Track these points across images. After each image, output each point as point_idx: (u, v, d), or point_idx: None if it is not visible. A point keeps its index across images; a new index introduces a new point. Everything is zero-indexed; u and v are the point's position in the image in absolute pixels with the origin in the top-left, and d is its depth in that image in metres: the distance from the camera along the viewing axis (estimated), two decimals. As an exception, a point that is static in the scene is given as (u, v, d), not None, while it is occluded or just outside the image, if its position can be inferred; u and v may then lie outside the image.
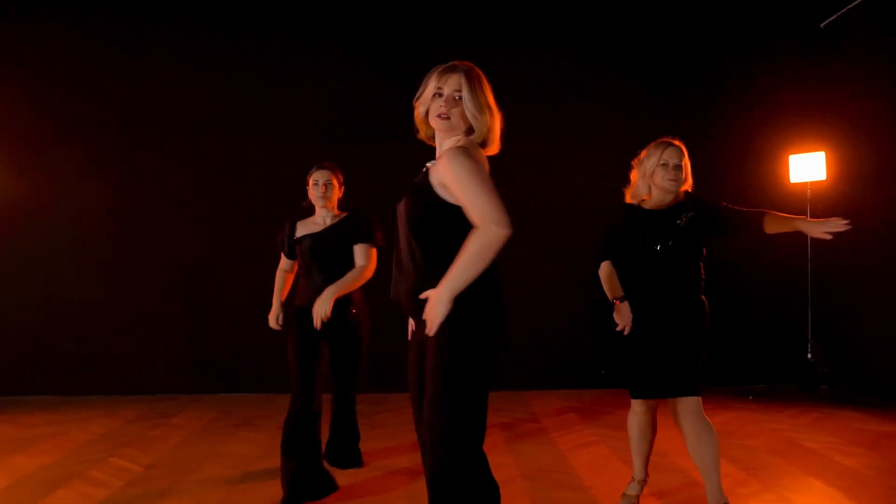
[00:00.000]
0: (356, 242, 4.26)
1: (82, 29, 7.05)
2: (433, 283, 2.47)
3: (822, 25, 7.17)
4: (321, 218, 4.36)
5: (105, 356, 6.99)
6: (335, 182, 4.34)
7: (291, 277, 4.59)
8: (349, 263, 4.23)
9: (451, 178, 2.47)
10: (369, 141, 6.97)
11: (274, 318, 4.51)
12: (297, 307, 4.28)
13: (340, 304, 4.15)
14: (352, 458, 4.64)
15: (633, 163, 3.76)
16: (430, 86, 2.65)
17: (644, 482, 3.92)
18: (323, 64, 7.15)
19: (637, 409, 3.82)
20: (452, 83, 2.61)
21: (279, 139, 7.07)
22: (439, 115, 2.60)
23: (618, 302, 3.57)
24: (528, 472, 4.48)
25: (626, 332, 3.56)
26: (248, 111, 7.10)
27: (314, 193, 4.30)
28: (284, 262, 4.55)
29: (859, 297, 6.77)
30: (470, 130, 2.64)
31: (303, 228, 4.36)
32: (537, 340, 7.12)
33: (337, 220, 4.35)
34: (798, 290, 6.96)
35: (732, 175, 7.06)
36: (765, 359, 7.09)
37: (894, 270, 6.32)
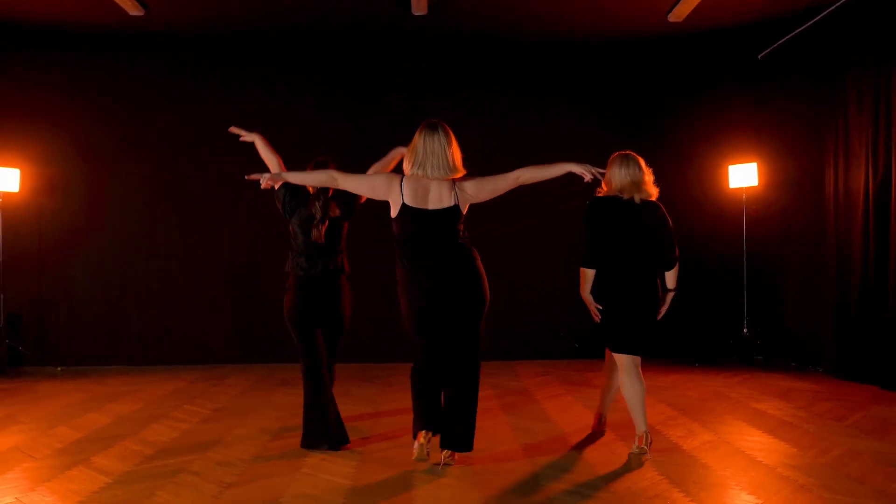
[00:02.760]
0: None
1: (151, 65, 8.03)
2: None
3: (759, 57, 8.06)
4: None
5: (166, 333, 7.95)
6: None
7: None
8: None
9: None
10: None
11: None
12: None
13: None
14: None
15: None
16: None
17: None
18: (337, 98, 8.09)
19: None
20: None
21: (302, 155, 7.98)
22: None
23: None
24: (509, 411, 5.43)
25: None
26: (281, 137, 7.97)
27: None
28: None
29: (783, 282, 7.70)
30: None
31: None
32: (525, 320, 8.07)
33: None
34: (736, 276, 7.86)
35: (681, 182, 7.98)
36: (709, 335, 7.97)
37: (812, 260, 7.25)
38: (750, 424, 4.96)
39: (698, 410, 5.40)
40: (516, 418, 5.22)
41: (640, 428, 4.18)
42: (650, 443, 4.19)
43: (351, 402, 5.90)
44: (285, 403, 5.79)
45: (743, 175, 7.65)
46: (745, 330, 7.71)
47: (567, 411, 5.46)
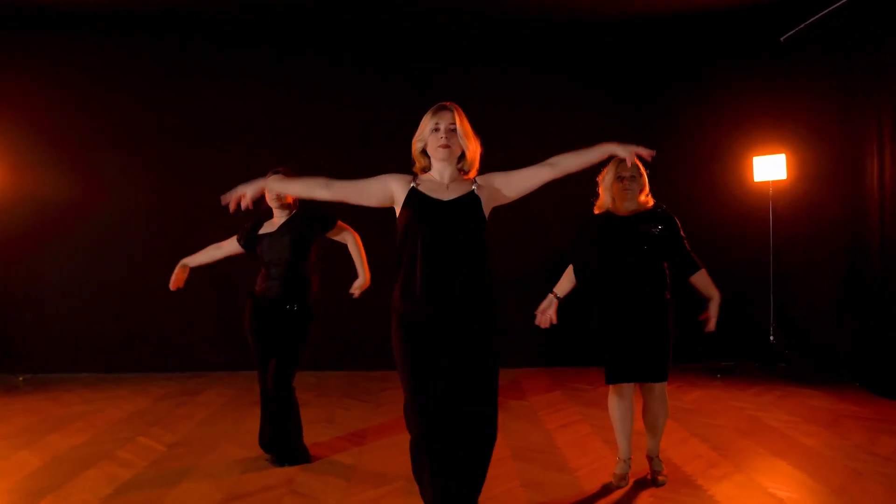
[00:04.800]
0: (320, 234, 4.07)
1: (131, 46, 6.74)
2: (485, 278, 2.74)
3: (781, 39, 6.81)
4: (277, 219, 4.08)
5: (142, 338, 6.72)
6: None
7: (216, 257, 4.25)
8: (298, 260, 3.97)
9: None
10: (374, 149, 6.65)
11: (175, 278, 4.23)
12: (254, 293, 4.05)
13: (300, 289, 3.98)
14: (291, 453, 3.99)
15: (598, 179, 3.65)
16: (427, 123, 2.75)
17: (630, 460, 3.68)
18: (336, 83, 6.82)
19: (616, 392, 3.65)
20: (447, 118, 2.73)
21: (296, 147, 6.75)
22: (441, 146, 2.71)
23: (554, 298, 3.61)
24: (518, 451, 4.20)
25: (540, 325, 3.62)
26: (268, 123, 6.80)
27: (269, 196, 4.02)
28: (227, 244, 4.19)
29: (814, 284, 6.46)
30: (461, 157, 2.79)
31: (264, 229, 4.10)
32: (528, 324, 6.81)
33: (284, 220, 4.05)
34: (762, 277, 6.63)
35: (702, 175, 6.75)
36: (730, 339, 6.73)
37: (849, 261, 6.02)
38: (812, 477, 3.70)
39: (741, 451, 4.17)
40: (525, 464, 4.00)
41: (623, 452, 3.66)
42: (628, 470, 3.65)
43: (334, 429, 4.72)
44: (255, 432, 4.56)
45: (769, 167, 6.40)
46: (772, 337, 6.48)
47: (586, 451, 4.24)
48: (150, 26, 6.65)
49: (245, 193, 2.76)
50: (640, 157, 2.88)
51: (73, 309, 6.70)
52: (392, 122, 6.47)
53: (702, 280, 3.64)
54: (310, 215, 4.04)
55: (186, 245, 6.53)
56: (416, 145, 2.81)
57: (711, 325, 3.57)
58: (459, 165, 2.81)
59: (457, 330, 2.69)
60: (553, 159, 2.81)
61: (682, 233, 3.59)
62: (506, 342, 6.57)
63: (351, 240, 4.13)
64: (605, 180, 3.59)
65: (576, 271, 3.65)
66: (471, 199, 2.74)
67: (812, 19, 6.30)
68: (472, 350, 2.69)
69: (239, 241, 4.16)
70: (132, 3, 6.19)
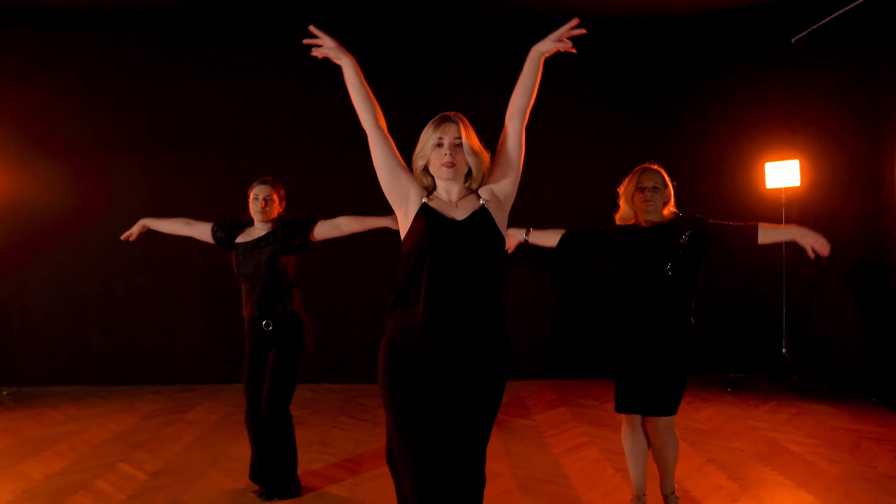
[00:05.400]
0: (305, 240, 3.66)
1: (131, 46, 6.39)
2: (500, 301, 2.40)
3: (792, 41, 6.48)
4: (256, 231, 3.74)
5: (133, 349, 6.38)
6: (275, 197, 3.70)
7: (179, 232, 3.90)
8: (273, 274, 3.61)
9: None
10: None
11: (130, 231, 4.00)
12: (243, 317, 3.73)
13: (280, 305, 3.63)
14: (281, 485, 3.67)
15: (619, 190, 3.34)
16: (429, 138, 2.38)
17: (645, 496, 3.35)
18: (336, 83, 6.39)
19: (628, 422, 3.34)
20: (452, 132, 2.36)
21: (296, 147, 6.44)
22: (445, 164, 2.35)
23: (524, 236, 3.43)
24: (524, 481, 3.87)
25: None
26: (268, 124, 6.46)
27: (253, 207, 3.69)
28: (200, 226, 3.82)
29: (828, 296, 6.13)
30: (468, 174, 2.41)
31: (242, 236, 3.75)
32: (530, 334, 6.50)
33: (263, 233, 3.70)
34: (773, 287, 6.31)
35: (711, 182, 6.40)
36: (739, 350, 6.46)
37: (868, 271, 5.69)
38: (840, 511, 3.41)
39: (763, 481, 3.84)
40: (531, 497, 3.67)
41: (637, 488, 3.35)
42: None
43: (328, 454, 4.39)
44: (245, 458, 4.21)
45: (782, 173, 6.04)
46: (784, 349, 6.15)
47: (597, 481, 3.91)
48: (149, 26, 6.30)
49: (328, 44, 2.51)
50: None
51: (60, 320, 6.34)
52: (391, 122, 6.14)
53: (768, 233, 3.13)
54: (291, 226, 3.69)
55: (181, 251, 6.32)
56: (417, 163, 2.42)
57: (825, 246, 3.05)
58: (467, 183, 2.44)
59: (459, 369, 2.34)
60: (507, 111, 2.50)
61: (711, 220, 3.20)
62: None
63: (344, 221, 3.67)
64: (626, 191, 3.26)
65: (563, 239, 3.33)
66: (483, 217, 2.37)
67: (826, 20, 5.97)
68: (474, 393, 2.34)
69: (214, 231, 3.80)
70: (132, 3, 5.85)
